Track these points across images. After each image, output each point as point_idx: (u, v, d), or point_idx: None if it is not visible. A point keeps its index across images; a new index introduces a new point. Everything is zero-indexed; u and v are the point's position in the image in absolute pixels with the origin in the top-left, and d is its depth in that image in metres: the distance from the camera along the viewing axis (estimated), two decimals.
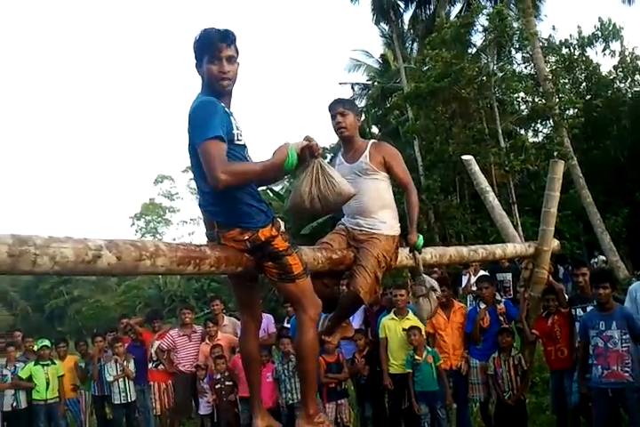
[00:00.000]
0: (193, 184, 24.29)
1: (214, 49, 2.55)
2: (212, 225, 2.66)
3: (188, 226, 42.51)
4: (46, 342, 7.32)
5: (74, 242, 2.06)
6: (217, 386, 6.20)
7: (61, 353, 7.42)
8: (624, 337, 4.50)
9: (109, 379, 6.86)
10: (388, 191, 3.55)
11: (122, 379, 6.86)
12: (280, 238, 2.68)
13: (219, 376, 6.19)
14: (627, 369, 4.46)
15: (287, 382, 5.89)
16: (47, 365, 7.01)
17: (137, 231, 42.21)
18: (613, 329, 4.54)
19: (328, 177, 2.77)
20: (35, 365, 6.98)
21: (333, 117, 3.52)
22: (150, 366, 6.83)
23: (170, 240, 39.88)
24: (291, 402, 5.85)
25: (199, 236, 40.76)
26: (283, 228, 2.73)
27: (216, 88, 2.60)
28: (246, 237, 2.60)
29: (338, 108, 3.50)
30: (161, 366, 6.75)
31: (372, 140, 3.65)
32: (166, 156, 72.31)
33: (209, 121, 2.46)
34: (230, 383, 6.13)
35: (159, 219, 42.31)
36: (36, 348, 7.41)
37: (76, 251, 2.05)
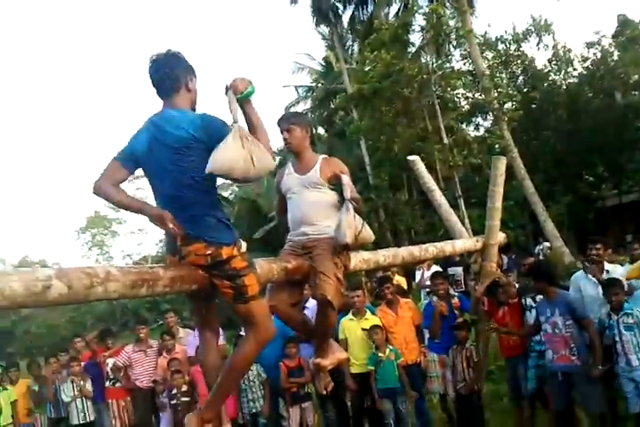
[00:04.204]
0: (139, 193, 23.46)
1: (195, 74, 2.80)
2: (174, 238, 2.63)
3: (135, 236, 41.70)
4: None
5: (21, 274, 1.98)
6: (172, 402, 6.05)
7: (13, 378, 7.15)
8: (567, 323, 4.71)
9: (67, 400, 6.69)
10: (332, 205, 3.50)
11: (79, 399, 6.70)
12: (239, 258, 2.68)
13: (175, 392, 6.04)
14: (574, 353, 4.66)
15: (249, 392, 5.89)
16: None
17: (83, 245, 41.17)
18: (557, 316, 4.75)
19: (253, 141, 2.67)
20: None
21: (281, 133, 3.58)
22: (107, 384, 6.68)
23: (118, 253, 38.93)
24: (254, 411, 5.88)
25: (148, 246, 40.02)
26: (244, 248, 2.74)
27: (193, 107, 2.83)
28: (208, 253, 2.60)
29: (284, 124, 3.55)
30: (118, 384, 6.61)
31: (323, 156, 3.69)
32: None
33: None
34: (187, 399, 5.92)
35: (106, 231, 41.28)
36: None
37: (24, 283, 1.96)
